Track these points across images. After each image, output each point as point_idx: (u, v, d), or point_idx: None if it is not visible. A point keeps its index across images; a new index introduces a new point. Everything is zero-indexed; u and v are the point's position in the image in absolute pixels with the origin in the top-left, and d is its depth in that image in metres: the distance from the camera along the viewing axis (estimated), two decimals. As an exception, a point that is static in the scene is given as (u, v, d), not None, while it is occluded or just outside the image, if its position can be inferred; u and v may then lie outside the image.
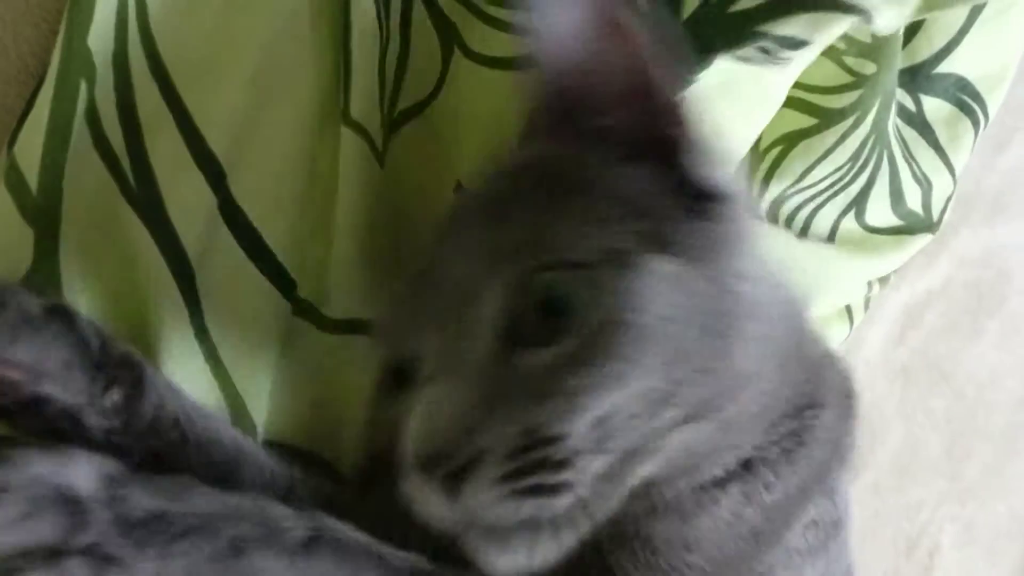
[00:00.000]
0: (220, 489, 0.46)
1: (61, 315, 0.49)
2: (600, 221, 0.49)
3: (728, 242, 0.50)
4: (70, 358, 0.49)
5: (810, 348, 0.58)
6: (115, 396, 0.50)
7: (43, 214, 0.57)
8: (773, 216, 0.85)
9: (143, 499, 0.44)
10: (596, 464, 0.45)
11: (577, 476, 0.45)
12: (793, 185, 0.83)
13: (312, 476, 0.59)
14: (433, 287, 0.51)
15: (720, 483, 0.52)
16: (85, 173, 0.58)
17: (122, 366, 0.51)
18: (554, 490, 0.45)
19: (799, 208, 0.85)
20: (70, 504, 0.42)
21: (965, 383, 1.19)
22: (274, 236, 0.62)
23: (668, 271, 0.47)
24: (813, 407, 0.55)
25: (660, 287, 0.46)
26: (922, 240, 0.90)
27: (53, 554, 0.41)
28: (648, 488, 0.49)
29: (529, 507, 0.45)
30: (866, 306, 0.96)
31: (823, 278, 0.86)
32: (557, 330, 0.47)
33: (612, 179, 0.51)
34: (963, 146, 0.91)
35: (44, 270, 0.57)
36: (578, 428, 0.45)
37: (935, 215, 0.91)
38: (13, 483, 0.42)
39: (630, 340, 0.45)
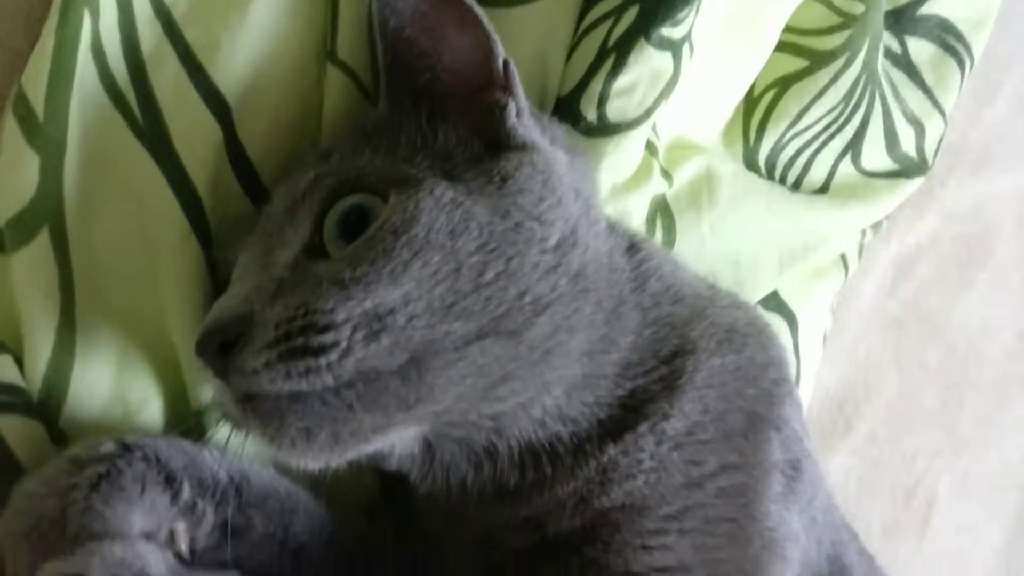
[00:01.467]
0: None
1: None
2: (401, 159, 0.55)
3: (524, 186, 0.55)
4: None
5: (669, 302, 0.62)
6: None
7: (49, 141, 0.57)
8: (771, 166, 0.86)
9: None
10: (370, 348, 0.48)
11: (341, 343, 0.48)
12: (789, 128, 0.83)
13: (349, 519, 0.63)
14: (265, 217, 0.56)
15: (614, 430, 0.57)
16: (91, 108, 0.58)
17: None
18: (318, 352, 0.48)
19: (797, 154, 0.86)
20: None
21: (957, 335, 1.20)
22: (269, 176, 0.63)
23: (448, 196, 0.52)
24: (683, 354, 0.59)
25: (437, 207, 0.52)
26: (916, 183, 0.91)
27: None
28: (528, 443, 0.56)
29: (296, 371, 0.48)
30: (860, 253, 0.97)
31: (818, 229, 0.87)
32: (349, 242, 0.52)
33: (423, 129, 0.57)
34: (951, 87, 0.92)
35: (49, 194, 0.57)
36: (347, 310, 0.49)
37: (929, 158, 0.92)
38: (94, 568, 0.46)
39: (402, 245, 0.50)
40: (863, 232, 0.95)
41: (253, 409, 0.49)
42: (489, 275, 0.51)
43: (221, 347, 0.49)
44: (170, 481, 0.53)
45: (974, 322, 1.21)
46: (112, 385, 0.59)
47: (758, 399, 0.61)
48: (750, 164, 0.85)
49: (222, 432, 0.59)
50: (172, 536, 0.52)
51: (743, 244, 0.80)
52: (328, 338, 0.48)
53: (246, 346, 0.49)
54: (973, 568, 1.22)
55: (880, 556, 1.17)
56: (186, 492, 0.53)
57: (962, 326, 1.21)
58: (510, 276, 0.52)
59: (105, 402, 0.59)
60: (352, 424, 0.50)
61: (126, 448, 0.53)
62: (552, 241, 0.54)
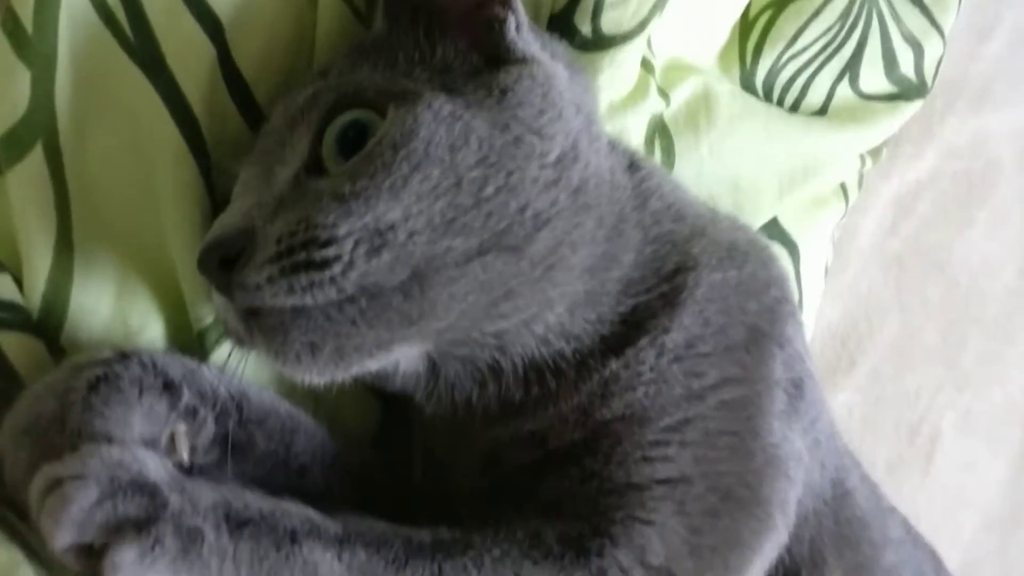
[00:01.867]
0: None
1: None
2: (400, 75, 0.55)
3: (524, 100, 0.54)
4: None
5: (670, 220, 0.62)
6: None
7: (39, 56, 0.56)
8: (769, 89, 0.86)
9: (206, 492, 0.48)
10: (372, 263, 0.48)
11: (343, 257, 0.48)
12: (786, 50, 0.83)
13: (352, 444, 0.63)
14: (263, 135, 0.57)
15: (616, 346, 0.57)
16: (80, 25, 0.57)
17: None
18: (320, 266, 0.48)
19: (794, 77, 0.85)
20: (148, 487, 0.46)
21: (958, 272, 1.20)
22: (264, 95, 0.62)
23: (447, 109, 0.52)
24: (684, 270, 0.59)
25: (436, 120, 0.51)
26: (915, 107, 0.91)
27: (141, 526, 0.45)
28: (531, 359, 0.56)
29: (299, 285, 0.48)
30: (860, 183, 0.96)
31: (817, 152, 0.86)
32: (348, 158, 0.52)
33: (420, 44, 0.56)
34: (949, 6, 0.91)
35: (41, 109, 0.56)
36: (348, 224, 0.49)
37: (928, 80, 0.91)
38: (91, 469, 0.46)
39: (401, 159, 0.50)
40: (862, 159, 0.94)
41: (257, 324, 0.49)
42: (489, 190, 0.51)
43: (223, 263, 0.49)
44: (168, 388, 0.53)
45: (975, 259, 1.21)
46: (112, 304, 0.59)
47: (760, 315, 0.61)
48: (747, 87, 0.85)
49: (223, 352, 0.59)
50: (173, 443, 0.52)
51: (742, 167, 0.80)
52: (330, 252, 0.48)
53: (248, 261, 0.49)
54: (977, 504, 1.22)
55: (884, 492, 1.18)
56: (186, 397, 0.53)
57: (963, 263, 1.21)
58: (510, 190, 0.51)
59: (106, 321, 0.59)
60: (356, 339, 0.49)
61: (124, 356, 0.53)
62: (553, 156, 0.53)
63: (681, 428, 0.57)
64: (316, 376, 0.51)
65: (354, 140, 0.52)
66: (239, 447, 0.55)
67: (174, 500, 0.46)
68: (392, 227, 0.49)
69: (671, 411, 0.57)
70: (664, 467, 0.56)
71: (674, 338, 0.57)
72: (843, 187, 0.93)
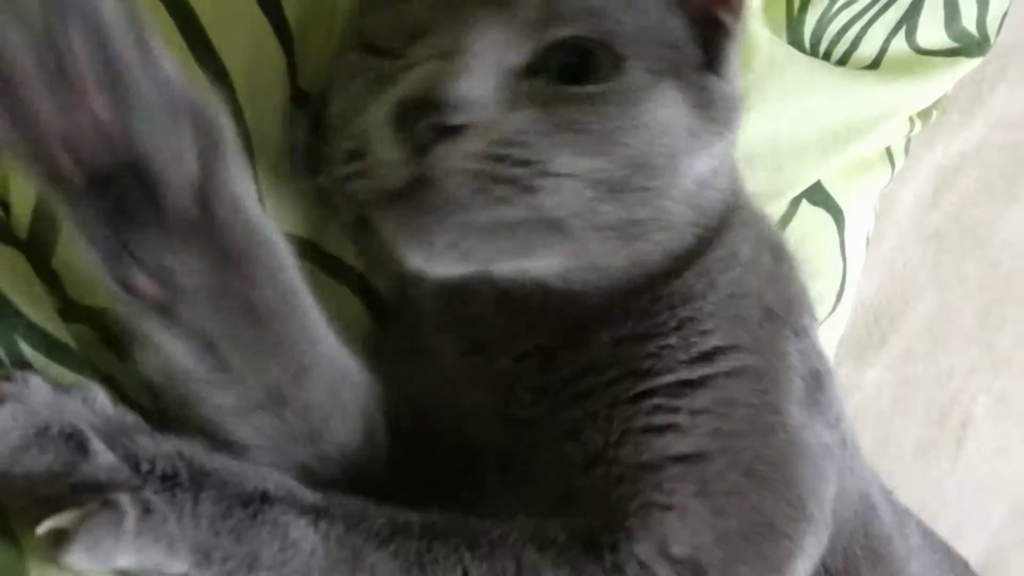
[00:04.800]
0: None
1: None
2: (649, 41, 0.52)
3: (716, 117, 0.54)
4: None
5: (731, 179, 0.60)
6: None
7: None
8: (816, 41, 0.80)
9: (153, 443, 0.44)
10: (565, 204, 0.48)
11: (552, 193, 0.47)
12: (838, -3, 0.78)
13: None
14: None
15: (679, 268, 0.55)
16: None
17: None
18: (530, 190, 0.47)
19: (846, 28, 0.80)
20: (75, 438, 0.42)
21: (1000, 250, 1.16)
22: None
23: (671, 98, 0.52)
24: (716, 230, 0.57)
25: (661, 107, 0.51)
26: (974, 63, 0.85)
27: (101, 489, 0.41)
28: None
29: (498, 195, 0.46)
30: (906, 149, 0.91)
31: (864, 109, 0.81)
32: (577, 80, 0.50)
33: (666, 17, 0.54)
34: None
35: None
36: (571, 166, 0.48)
37: (991, 36, 0.86)
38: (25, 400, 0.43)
39: (628, 122, 0.50)
40: (911, 122, 0.89)
41: (414, 195, 0.47)
42: (656, 183, 0.51)
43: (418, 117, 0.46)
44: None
45: (1018, 237, 1.16)
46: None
47: (777, 302, 0.57)
48: (794, 40, 0.79)
49: None
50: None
51: (782, 121, 0.75)
52: (548, 183, 0.47)
53: (463, 137, 0.46)
54: (1007, 490, 1.18)
55: (911, 475, 1.14)
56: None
57: (1005, 241, 1.16)
58: (660, 192, 0.51)
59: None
60: (493, 252, 0.49)
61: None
62: (708, 171, 0.55)
63: (687, 392, 0.52)
64: (433, 266, 0.49)
65: (574, 63, 0.50)
66: None
67: (102, 457, 0.42)
68: (586, 175, 0.48)
69: (674, 368, 0.53)
70: (676, 440, 0.51)
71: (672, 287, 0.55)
72: (889, 152, 0.88)
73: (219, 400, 0.47)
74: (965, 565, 0.78)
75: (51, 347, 0.49)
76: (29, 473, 0.41)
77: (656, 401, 0.52)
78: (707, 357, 0.53)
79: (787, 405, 0.54)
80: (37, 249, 0.53)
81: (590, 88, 0.50)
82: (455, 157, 0.46)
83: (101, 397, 0.46)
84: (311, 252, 0.59)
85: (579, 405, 0.53)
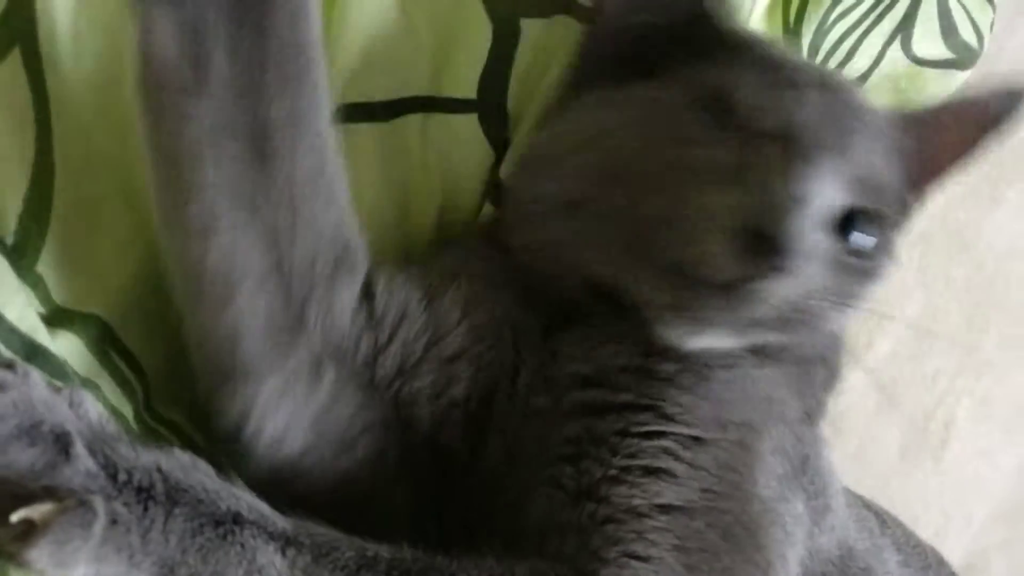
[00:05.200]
0: None
1: None
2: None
3: None
4: None
5: None
6: None
7: None
8: (814, 52, 0.80)
9: (134, 455, 0.43)
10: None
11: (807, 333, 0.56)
12: (833, 6, 0.77)
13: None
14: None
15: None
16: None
17: None
18: (795, 329, 0.54)
19: (842, 38, 0.80)
20: (61, 440, 0.41)
21: (985, 253, 1.16)
22: None
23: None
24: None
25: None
26: (963, 77, 0.85)
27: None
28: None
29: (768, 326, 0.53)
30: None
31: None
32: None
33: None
34: None
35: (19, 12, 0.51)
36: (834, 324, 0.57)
37: (985, 45, 0.86)
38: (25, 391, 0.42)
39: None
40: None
41: (712, 295, 0.51)
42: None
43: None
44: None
45: (1002, 241, 1.17)
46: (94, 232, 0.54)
47: (807, 408, 0.61)
48: (792, 51, 0.79)
49: None
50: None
51: None
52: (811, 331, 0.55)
53: (785, 281, 0.50)
54: (988, 493, 1.19)
55: (894, 477, 1.15)
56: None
57: (990, 245, 1.16)
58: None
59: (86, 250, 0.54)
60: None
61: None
62: None
63: (695, 446, 0.53)
64: (683, 344, 0.54)
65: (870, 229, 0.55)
66: None
67: (82, 462, 0.41)
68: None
69: (695, 424, 0.54)
70: (669, 489, 0.51)
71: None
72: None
73: (191, 110, 0.47)
74: (940, 562, 0.78)
75: (30, 351, 0.49)
76: (11, 464, 0.40)
77: (665, 444, 0.52)
78: (723, 425, 0.54)
79: (769, 479, 0.55)
80: (21, 253, 0.52)
81: (866, 264, 0.55)
82: (774, 297, 0.51)
83: (88, 402, 0.45)
84: None
85: (585, 417, 0.53)
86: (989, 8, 0.87)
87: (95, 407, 0.45)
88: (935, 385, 1.14)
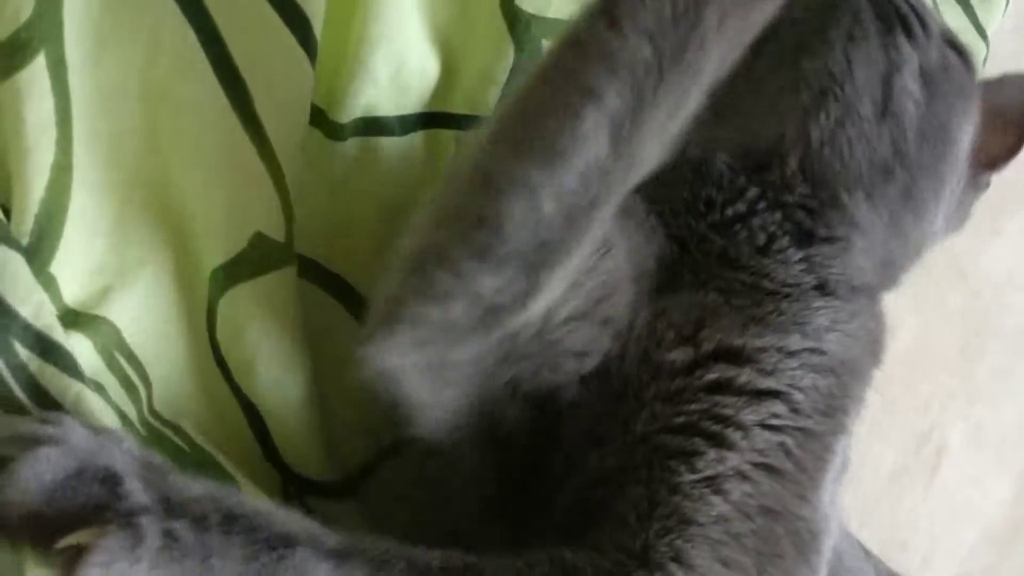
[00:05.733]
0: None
1: None
2: None
3: None
4: None
5: None
6: None
7: None
8: None
9: (185, 485, 0.44)
10: None
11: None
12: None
13: None
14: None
15: None
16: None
17: None
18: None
19: None
20: (109, 480, 0.42)
21: (982, 281, 1.17)
22: None
23: None
24: None
25: None
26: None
27: (124, 517, 0.41)
28: None
29: None
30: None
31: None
32: None
33: None
34: (994, 7, 0.86)
35: (47, 16, 0.52)
36: None
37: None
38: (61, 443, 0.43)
39: None
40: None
41: None
42: None
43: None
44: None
45: (1001, 270, 1.18)
46: (111, 234, 0.56)
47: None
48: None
49: (233, 295, 0.57)
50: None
51: None
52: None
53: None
54: (977, 520, 1.20)
55: (885, 501, 1.15)
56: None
57: (987, 274, 1.17)
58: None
59: (101, 252, 0.56)
60: None
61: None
62: None
63: (805, 442, 0.53)
64: None
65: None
66: None
67: (137, 497, 0.42)
68: None
69: (808, 415, 0.54)
70: (723, 503, 0.50)
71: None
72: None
73: None
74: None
75: (46, 349, 0.50)
76: (64, 511, 0.41)
77: (783, 439, 0.52)
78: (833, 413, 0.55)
79: (829, 480, 0.55)
80: (36, 253, 0.53)
81: None
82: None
83: (128, 440, 0.46)
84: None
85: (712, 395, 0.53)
86: (981, 45, 0.87)
87: (136, 444, 0.46)
88: (928, 410, 1.15)
